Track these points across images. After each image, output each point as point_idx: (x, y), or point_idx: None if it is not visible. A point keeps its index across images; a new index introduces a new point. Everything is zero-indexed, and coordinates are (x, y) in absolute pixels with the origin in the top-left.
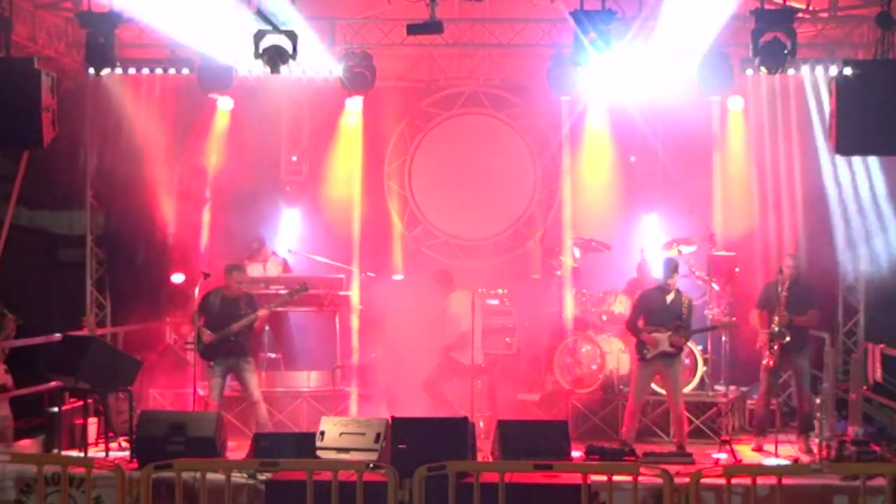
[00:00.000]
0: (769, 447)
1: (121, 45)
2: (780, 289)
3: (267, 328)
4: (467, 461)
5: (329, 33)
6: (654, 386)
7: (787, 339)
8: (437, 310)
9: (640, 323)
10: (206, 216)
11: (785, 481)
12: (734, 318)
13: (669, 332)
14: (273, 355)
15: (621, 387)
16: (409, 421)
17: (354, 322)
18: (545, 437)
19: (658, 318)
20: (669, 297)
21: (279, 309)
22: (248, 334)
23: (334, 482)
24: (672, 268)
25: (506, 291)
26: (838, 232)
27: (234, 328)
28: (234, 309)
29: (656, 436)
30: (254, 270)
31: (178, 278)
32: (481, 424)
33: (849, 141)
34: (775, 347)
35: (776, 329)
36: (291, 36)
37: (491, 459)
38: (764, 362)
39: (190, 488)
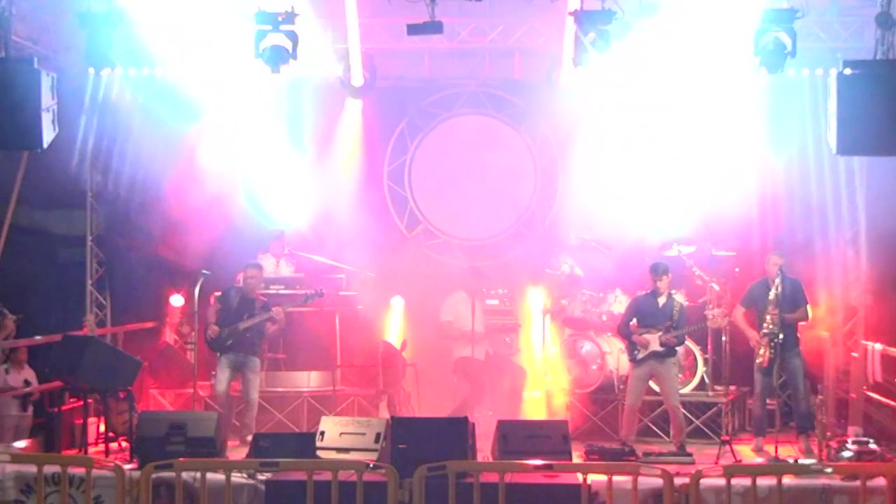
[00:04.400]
0: (769, 447)
1: None
2: (770, 287)
3: None
4: (467, 461)
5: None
6: (652, 385)
7: (781, 337)
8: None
9: (633, 326)
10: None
11: (785, 481)
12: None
13: (660, 333)
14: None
15: (621, 386)
16: (409, 421)
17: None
18: (545, 437)
19: (650, 320)
20: (661, 301)
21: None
22: (260, 335)
23: (334, 482)
24: (661, 271)
25: (506, 291)
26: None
27: (243, 326)
28: (250, 308)
29: (656, 436)
30: (266, 262)
31: (177, 301)
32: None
33: (848, 141)
34: (769, 347)
35: (770, 328)
36: (291, 36)
37: (491, 459)
38: (757, 361)
39: (190, 488)
